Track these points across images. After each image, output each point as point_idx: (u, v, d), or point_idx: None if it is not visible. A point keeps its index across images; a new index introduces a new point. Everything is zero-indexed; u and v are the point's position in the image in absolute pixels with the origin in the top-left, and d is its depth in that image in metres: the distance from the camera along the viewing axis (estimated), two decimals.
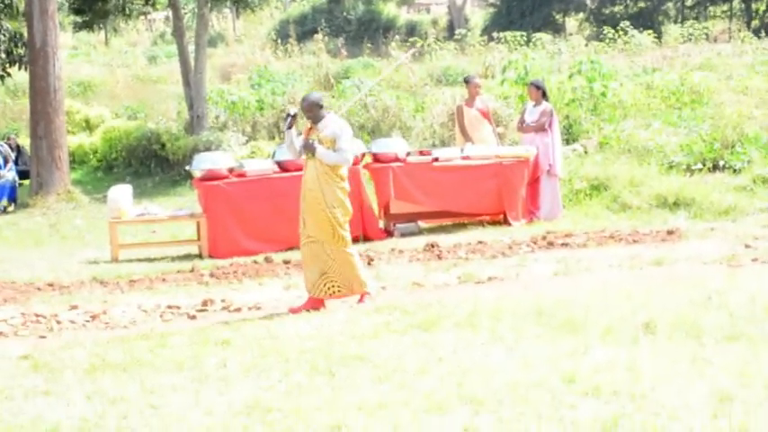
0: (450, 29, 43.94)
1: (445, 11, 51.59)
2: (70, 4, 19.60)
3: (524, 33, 30.84)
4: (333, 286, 7.90)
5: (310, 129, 8.00)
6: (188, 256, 11.11)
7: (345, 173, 8.06)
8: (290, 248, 10.69)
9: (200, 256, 11.01)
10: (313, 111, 7.98)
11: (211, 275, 9.83)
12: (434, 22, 47.44)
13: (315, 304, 7.90)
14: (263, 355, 6.12)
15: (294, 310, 7.81)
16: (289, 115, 8.09)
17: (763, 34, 33.70)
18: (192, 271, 10.08)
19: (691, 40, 33.15)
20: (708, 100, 17.08)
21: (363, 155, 11.84)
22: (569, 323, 6.64)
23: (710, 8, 45.14)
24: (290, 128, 8.04)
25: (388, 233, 11.62)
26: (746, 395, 4.91)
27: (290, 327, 7.08)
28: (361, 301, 7.94)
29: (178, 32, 19.40)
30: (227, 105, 19.17)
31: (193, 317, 7.98)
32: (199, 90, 18.55)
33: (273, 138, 17.53)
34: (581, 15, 47.40)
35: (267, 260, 10.41)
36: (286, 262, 10.17)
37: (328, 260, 7.87)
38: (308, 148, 7.87)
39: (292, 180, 11.17)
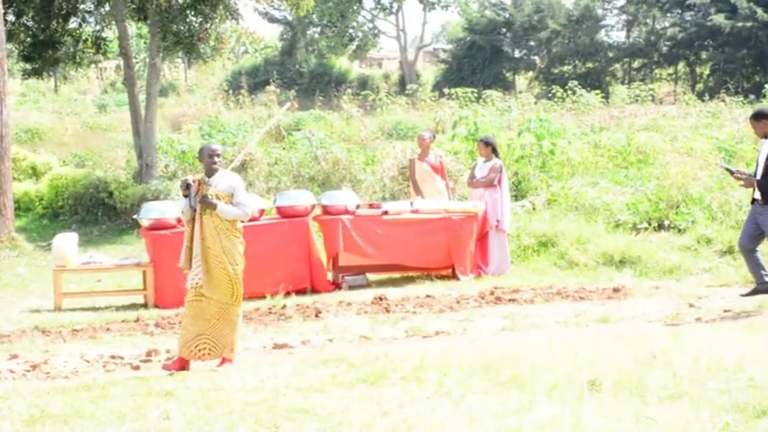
0: (402, 83, 44.44)
1: (397, 66, 52.13)
2: (20, 52, 19.42)
3: (475, 90, 31.23)
4: (204, 348, 7.67)
5: (200, 183, 7.74)
6: (133, 306, 10.98)
7: (241, 228, 7.88)
8: None
9: (145, 306, 10.89)
10: (213, 161, 7.75)
11: (156, 325, 9.71)
12: (386, 77, 47.86)
13: (182, 364, 7.66)
14: (207, 408, 6.04)
15: (167, 367, 7.63)
16: (188, 184, 7.73)
17: (707, 97, 34.49)
18: (136, 321, 9.97)
19: (637, 101, 33.81)
20: (653, 160, 17.37)
21: (313, 206, 11.85)
22: (516, 379, 6.65)
23: (657, 71, 46.18)
24: (186, 196, 7.75)
25: (337, 285, 11.60)
26: None
27: (235, 379, 6.99)
28: (221, 365, 7.67)
29: (129, 81, 19.34)
30: (176, 155, 19.12)
31: (137, 367, 7.86)
32: (149, 139, 18.48)
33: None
34: (530, 74, 48.20)
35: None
36: None
37: (211, 320, 7.66)
38: (208, 204, 7.61)
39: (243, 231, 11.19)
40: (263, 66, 47.31)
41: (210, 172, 7.77)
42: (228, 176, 7.81)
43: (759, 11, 40.25)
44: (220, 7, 18.40)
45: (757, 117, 9.46)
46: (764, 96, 27.81)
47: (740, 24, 40.64)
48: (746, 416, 5.62)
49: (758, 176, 9.35)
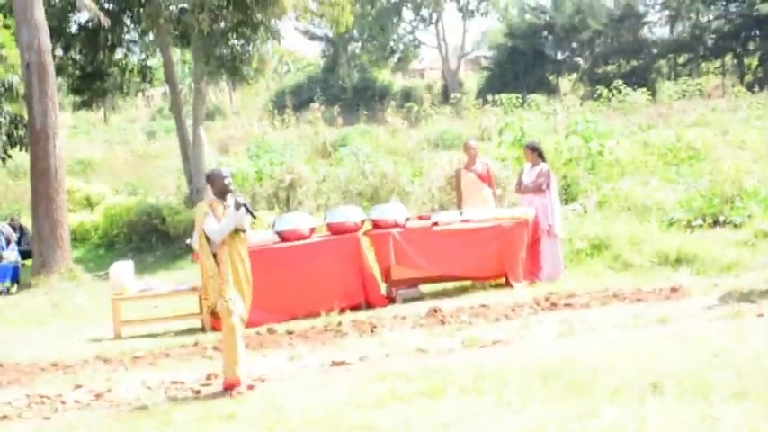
0: (445, 93, 44.44)
1: (439, 75, 52.15)
2: (69, 85, 19.81)
3: (519, 95, 31.15)
4: None
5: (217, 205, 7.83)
6: (191, 330, 11.07)
7: None
8: (293, 318, 10.70)
9: (203, 330, 10.97)
10: (230, 183, 7.89)
11: (215, 349, 9.76)
12: (429, 87, 47.94)
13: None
14: (269, 428, 6.08)
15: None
16: (244, 204, 7.91)
17: (756, 89, 34.04)
18: (195, 345, 10.04)
19: (685, 96, 33.48)
20: (705, 156, 17.16)
21: (363, 221, 11.87)
22: (576, 385, 6.60)
23: (703, 65, 45.66)
24: (248, 212, 7.87)
25: (391, 299, 11.59)
26: None
27: (295, 398, 7.02)
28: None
29: (176, 108, 19.59)
30: None
31: (198, 391, 7.92)
32: (197, 164, 18.69)
33: (273, 208, 17.59)
34: (574, 76, 47.92)
35: (270, 331, 10.37)
36: (289, 332, 10.12)
37: None
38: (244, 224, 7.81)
39: (292, 250, 11.26)
40: (307, 83, 47.64)
41: (224, 195, 7.86)
42: (238, 199, 7.90)
43: None
44: (261, 29, 18.57)
45: None
46: None
47: None
48: None
49: None
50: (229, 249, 7.79)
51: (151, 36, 19.53)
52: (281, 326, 10.51)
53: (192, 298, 11.72)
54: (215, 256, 7.78)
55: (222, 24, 18.42)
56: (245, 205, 7.80)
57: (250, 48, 18.97)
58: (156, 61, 22.64)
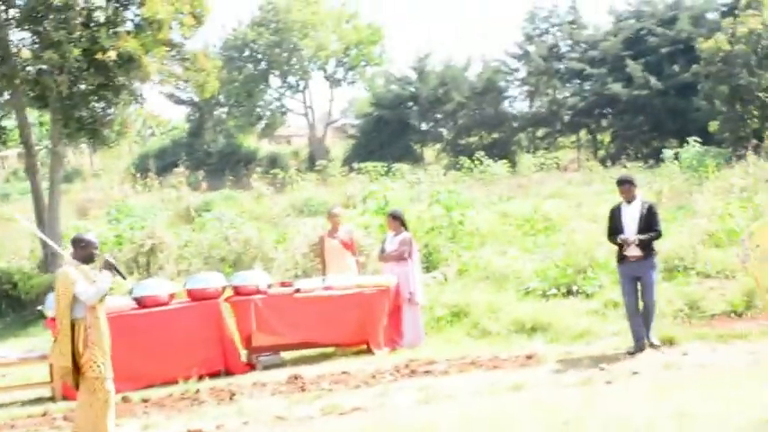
0: (312, 160, 44.67)
1: (306, 142, 52.47)
2: None
3: (384, 164, 31.62)
4: None
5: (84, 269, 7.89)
6: (40, 400, 10.65)
7: None
8: (149, 386, 10.43)
9: (52, 399, 10.57)
10: (96, 249, 8.03)
11: (64, 419, 9.44)
12: (296, 154, 48.14)
13: None
14: None
15: None
16: (115, 267, 7.91)
17: (609, 163, 35.52)
18: (43, 415, 9.68)
19: (543, 169, 34.64)
20: (560, 227, 17.73)
21: (224, 288, 11.76)
22: None
23: (560, 139, 47.41)
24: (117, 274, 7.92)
25: (251, 366, 11.46)
26: None
27: None
28: None
29: (30, 170, 19.06)
30: None
31: None
32: (53, 227, 18.15)
33: (132, 273, 17.20)
34: (438, 146, 48.97)
35: (125, 400, 10.08)
36: (144, 400, 9.88)
37: None
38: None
39: (151, 316, 11.04)
40: (171, 147, 47.13)
41: (90, 261, 7.86)
42: (109, 259, 7.87)
43: (652, 79, 41.80)
44: (124, 92, 18.32)
45: (621, 183, 10.93)
46: (662, 161, 28.71)
47: (636, 92, 42.11)
48: None
49: (633, 235, 10.55)
50: (97, 314, 7.65)
51: (6, 95, 18.95)
52: (136, 394, 10.24)
53: (42, 366, 11.28)
54: (73, 325, 7.60)
55: (83, 86, 18.08)
56: (115, 267, 7.71)
57: (112, 111, 18.65)
58: (11, 122, 22.01)
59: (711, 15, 44.37)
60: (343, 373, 10.70)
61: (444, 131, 49.19)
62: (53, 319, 10.84)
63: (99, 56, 17.25)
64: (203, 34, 78.64)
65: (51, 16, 17.23)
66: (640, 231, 10.64)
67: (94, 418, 7.53)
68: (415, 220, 16.52)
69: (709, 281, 13.67)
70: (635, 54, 43.51)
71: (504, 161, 33.49)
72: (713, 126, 37.27)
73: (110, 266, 7.70)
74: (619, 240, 10.69)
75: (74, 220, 23.71)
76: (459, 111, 47.62)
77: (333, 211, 13.69)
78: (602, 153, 43.60)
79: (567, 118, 46.07)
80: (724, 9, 42.93)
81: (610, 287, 13.23)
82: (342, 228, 13.43)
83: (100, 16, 18.04)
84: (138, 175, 32.17)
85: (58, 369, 7.98)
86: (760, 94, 36.20)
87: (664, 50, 43.02)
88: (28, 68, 18.00)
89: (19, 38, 18.44)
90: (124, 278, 8.02)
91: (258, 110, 50.78)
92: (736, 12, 37.43)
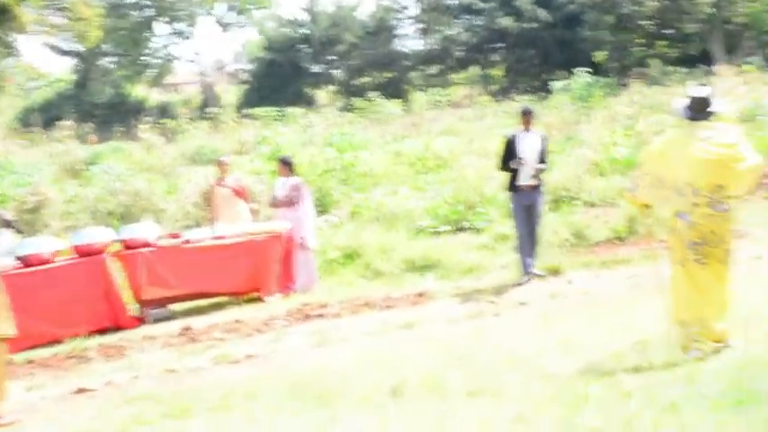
0: (203, 108, 43.94)
1: (197, 90, 51.55)
2: None
3: (278, 108, 31.30)
4: None
5: None
6: None
7: None
8: (35, 347, 10.19)
9: None
10: None
11: None
12: (187, 102, 47.26)
13: None
14: None
15: None
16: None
17: (501, 98, 35.86)
18: None
19: (437, 106, 34.77)
20: (451, 164, 17.86)
21: (112, 242, 11.52)
22: (324, 395, 6.70)
23: (452, 76, 47.52)
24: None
25: (141, 320, 11.30)
26: None
27: (32, 430, 6.72)
28: None
29: None
30: None
31: None
32: None
33: (21, 232, 16.71)
34: (332, 88, 48.65)
35: (8, 362, 9.83)
36: (30, 361, 9.66)
37: None
38: None
39: (34, 275, 10.75)
40: (57, 100, 45.69)
41: None
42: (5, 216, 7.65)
43: (541, 12, 42.16)
44: None
45: (525, 113, 11.20)
46: (551, 93, 29.12)
47: (525, 26, 42.45)
48: (538, 405, 5.86)
49: (533, 163, 10.83)
50: None
51: None
52: (20, 355, 10.00)
53: None
54: None
55: None
56: (11, 224, 7.53)
57: None
58: None
59: None
60: (236, 321, 10.65)
61: (337, 73, 48.85)
62: None
63: None
64: None
65: None
66: (537, 161, 10.94)
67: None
68: (307, 164, 16.44)
69: (593, 209, 14.01)
70: None
71: (398, 100, 33.51)
72: (599, 56, 37.90)
73: (7, 224, 7.50)
74: (520, 163, 10.87)
75: None
76: (352, 51, 47.31)
77: (221, 159, 13.57)
78: (493, 88, 43.93)
79: (458, 54, 46.18)
80: None
81: (499, 221, 13.43)
82: (231, 176, 13.29)
83: None
84: (22, 129, 31.17)
85: None
86: (643, 23, 36.91)
87: None
88: None
89: None
90: (20, 232, 7.79)
91: (145, 58, 49.59)
92: None
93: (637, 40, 37.91)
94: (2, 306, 7.51)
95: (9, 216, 7.63)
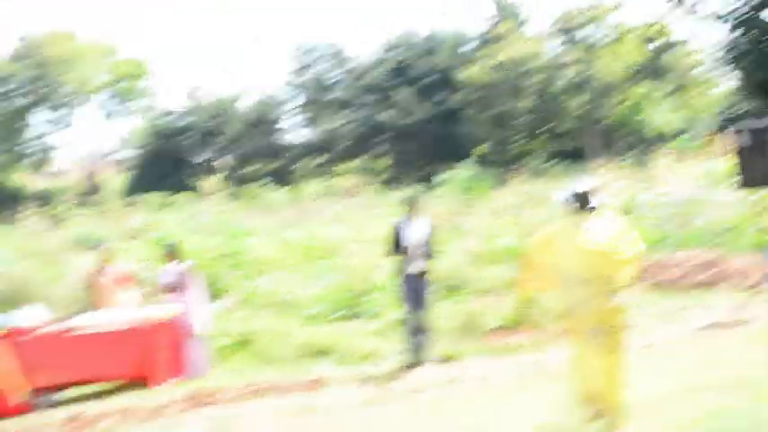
0: (89, 193, 43.22)
1: (81, 176, 50.73)
2: None
3: (166, 193, 31.13)
4: None
5: None
6: None
7: None
8: None
9: None
10: None
11: None
12: (69, 188, 46.39)
13: None
14: None
15: None
16: None
17: (388, 187, 36.46)
18: None
19: (327, 194, 35.11)
20: (340, 251, 18.03)
21: None
22: None
23: (340, 165, 48.10)
24: None
25: (27, 408, 10.95)
26: None
27: None
28: None
29: None
30: None
31: None
32: None
33: None
34: (219, 176, 48.56)
35: None
36: None
37: None
38: None
39: None
40: None
41: None
42: None
43: (417, 108, 43.35)
44: None
45: (411, 200, 11.57)
46: (436, 184, 29.77)
47: (406, 121, 43.54)
48: None
49: (419, 250, 11.07)
50: None
51: None
52: None
53: None
54: None
55: None
56: None
57: None
58: None
59: (466, 47, 46.50)
60: (126, 409, 10.43)
61: (222, 162, 48.84)
62: None
63: None
64: None
65: None
66: (424, 248, 11.20)
67: None
68: (196, 251, 16.35)
69: (483, 298, 14.32)
70: (401, 83, 44.97)
71: (286, 188, 33.73)
72: (481, 149, 39.02)
73: None
74: (404, 250, 11.11)
75: None
76: (236, 141, 47.53)
77: (101, 247, 13.46)
78: (380, 177, 44.64)
79: (343, 145, 46.91)
80: (477, 42, 45.13)
81: (391, 307, 13.59)
82: (114, 263, 13.16)
83: None
84: None
85: None
86: (521, 120, 38.30)
87: (427, 80, 44.67)
88: None
89: None
90: None
91: (21, 146, 48.70)
92: (488, 43, 39.53)
93: (515, 136, 39.22)
94: None
95: None
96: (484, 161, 36.73)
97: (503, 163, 36.27)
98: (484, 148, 39.34)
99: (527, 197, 22.20)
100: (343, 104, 47.64)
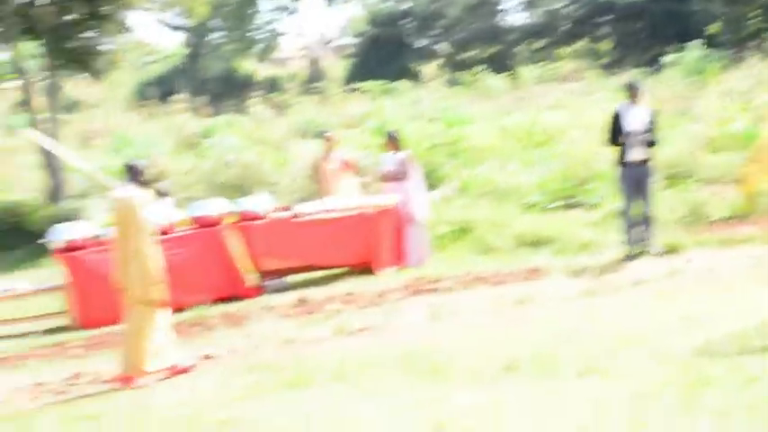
0: (311, 82, 44.33)
1: (305, 64, 52.01)
2: None
3: (384, 82, 31.40)
4: None
5: None
6: (59, 329, 10.85)
7: None
8: None
9: (69, 328, 10.78)
10: None
11: (81, 347, 9.65)
12: (294, 76, 47.72)
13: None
14: (134, 428, 6.07)
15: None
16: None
17: (609, 71, 35.20)
18: (59, 344, 9.88)
19: (543, 80, 34.36)
20: (559, 139, 17.69)
21: (228, 213, 11.85)
22: (436, 370, 6.81)
23: (559, 49, 46.82)
24: None
25: (259, 290, 11.62)
26: (603, 428, 5.16)
27: (162, 395, 7.03)
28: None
29: (28, 104, 19.10)
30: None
31: (62, 392, 7.82)
32: (57, 159, 18.22)
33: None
34: (436, 62, 48.48)
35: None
36: None
37: None
38: None
39: (162, 243, 11.13)
40: (171, 74, 46.72)
41: (144, 186, 8.10)
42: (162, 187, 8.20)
43: None
44: (111, 21, 18.24)
45: (631, 86, 11.15)
46: (662, 67, 28.48)
47: (627, 0, 41.56)
48: (655, 385, 5.87)
49: (641, 138, 10.69)
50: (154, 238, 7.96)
51: None
52: None
53: (57, 297, 11.47)
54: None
55: (71, 17, 17.97)
56: (167, 194, 8.03)
57: (100, 41, 18.61)
58: (5, 55, 21.94)
59: None
60: (350, 294, 10.85)
61: (441, 47, 48.63)
62: (60, 250, 11.05)
63: None
64: None
65: None
66: (645, 135, 10.83)
67: (137, 340, 7.76)
68: (415, 139, 16.51)
69: (710, 186, 13.73)
70: None
71: (504, 74, 33.23)
72: (713, 28, 36.84)
73: (164, 193, 8.02)
74: (625, 137, 10.75)
75: (78, 150, 23.67)
76: (456, 26, 47.07)
77: (327, 135, 13.71)
78: (602, 61, 43.16)
79: (564, 28, 45.51)
80: None
81: (611, 198, 13.29)
82: (339, 150, 13.46)
83: None
84: (139, 103, 32.06)
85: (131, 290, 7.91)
86: None
87: None
88: (16, 0, 17.90)
89: None
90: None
91: (252, 33, 50.25)
92: None
93: (752, 13, 36.72)
94: (156, 271, 7.86)
95: (167, 186, 8.13)
96: (715, 41, 34.69)
97: (735, 43, 34.14)
98: (716, 26, 37.09)
99: (761, 80, 20.86)
100: None
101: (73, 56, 18.43)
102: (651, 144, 10.92)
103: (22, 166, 22.44)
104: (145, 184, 8.07)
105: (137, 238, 7.81)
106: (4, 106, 41.88)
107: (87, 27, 18.31)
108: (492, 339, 7.65)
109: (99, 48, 18.60)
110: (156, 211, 7.93)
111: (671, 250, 10.93)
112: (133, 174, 8.06)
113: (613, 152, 11.15)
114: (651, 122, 10.93)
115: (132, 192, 7.91)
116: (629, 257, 10.79)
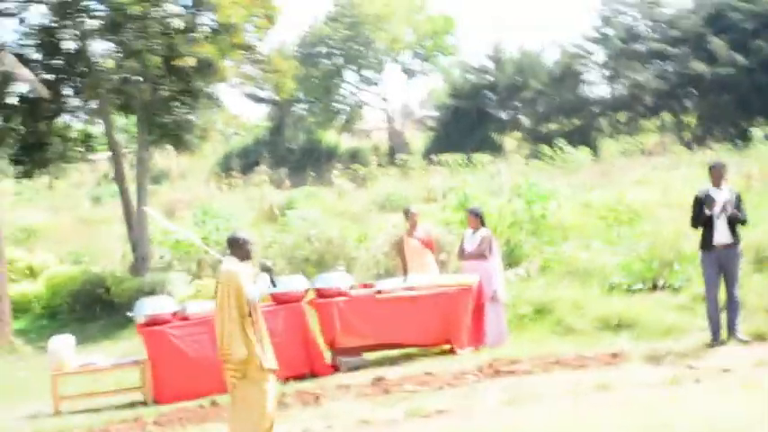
0: (392, 154, 44.68)
1: (386, 136, 52.51)
2: (9, 156, 19.47)
3: (464, 155, 31.45)
4: None
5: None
6: (133, 404, 10.93)
7: None
8: None
9: (145, 404, 10.84)
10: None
11: (155, 423, 9.67)
12: (376, 148, 48.20)
13: None
14: None
15: None
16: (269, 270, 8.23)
17: (695, 146, 34.73)
18: (135, 420, 9.92)
19: (626, 154, 34.03)
20: (645, 217, 17.37)
21: (307, 290, 11.87)
22: None
23: (642, 122, 46.44)
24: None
25: (335, 368, 11.56)
26: None
27: None
28: None
29: (118, 176, 19.58)
30: (171, 245, 19.10)
31: None
32: (141, 232, 18.61)
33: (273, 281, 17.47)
34: (518, 134, 48.45)
35: (213, 403, 10.28)
36: None
37: None
38: None
39: None
40: (254, 146, 47.64)
41: (247, 258, 8.11)
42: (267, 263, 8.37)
43: (737, 56, 40.70)
44: (202, 97, 18.71)
45: (714, 167, 10.96)
46: (750, 140, 27.97)
47: (720, 71, 41.06)
48: None
49: (723, 218, 10.50)
50: (258, 311, 8.02)
51: (93, 105, 19.46)
52: (225, 397, 10.40)
53: (135, 371, 11.58)
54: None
55: (164, 93, 18.51)
56: (271, 271, 8.12)
57: (192, 116, 19.08)
58: (99, 128, 22.56)
59: None
60: (427, 374, 10.70)
61: (523, 119, 48.63)
62: (143, 325, 11.17)
63: (178, 62, 17.65)
64: (280, 33, 79.39)
65: (131, 26, 17.62)
66: (729, 218, 10.54)
67: (258, 410, 7.76)
68: (495, 215, 16.41)
69: None
70: (717, 31, 42.39)
71: (586, 148, 33.01)
72: None
73: (267, 269, 8.11)
74: (712, 207, 10.54)
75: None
76: (538, 98, 47.07)
77: (410, 211, 13.67)
78: (687, 135, 42.64)
79: (648, 100, 45.12)
80: None
81: (697, 280, 12.95)
82: (420, 226, 13.44)
83: (177, 23, 18.40)
84: (223, 174, 32.67)
85: (234, 363, 7.96)
86: None
87: (747, 26, 41.83)
88: (112, 78, 18.45)
89: (102, 48, 18.95)
90: (275, 286, 8.40)
91: (335, 105, 51.05)
92: None
93: None
94: (266, 339, 7.95)
95: (270, 264, 8.20)
96: None
97: None
98: None
99: None
100: (652, 55, 45.69)
101: (166, 130, 18.94)
102: (737, 225, 10.65)
103: (108, 236, 22.96)
104: (248, 257, 8.06)
105: (233, 308, 7.82)
106: (94, 177, 43.15)
107: (179, 102, 18.80)
108: (577, 426, 7.43)
109: (190, 122, 19.06)
110: (259, 286, 7.99)
111: (758, 338, 10.57)
112: (236, 247, 8.09)
113: (698, 235, 10.90)
114: (736, 203, 10.67)
115: (236, 266, 7.96)
116: (714, 344, 10.46)
